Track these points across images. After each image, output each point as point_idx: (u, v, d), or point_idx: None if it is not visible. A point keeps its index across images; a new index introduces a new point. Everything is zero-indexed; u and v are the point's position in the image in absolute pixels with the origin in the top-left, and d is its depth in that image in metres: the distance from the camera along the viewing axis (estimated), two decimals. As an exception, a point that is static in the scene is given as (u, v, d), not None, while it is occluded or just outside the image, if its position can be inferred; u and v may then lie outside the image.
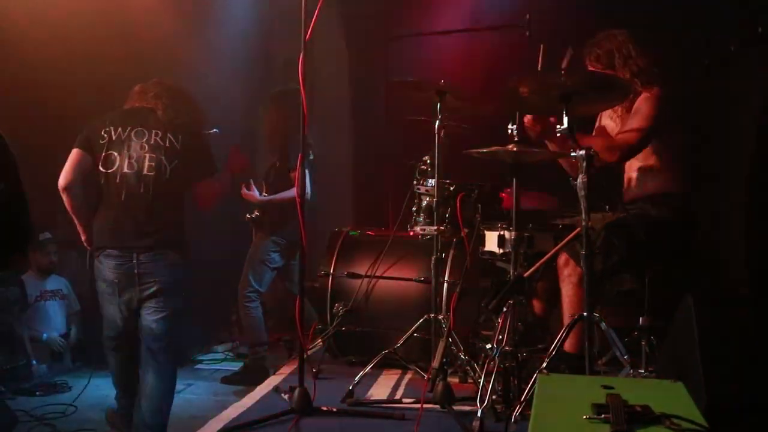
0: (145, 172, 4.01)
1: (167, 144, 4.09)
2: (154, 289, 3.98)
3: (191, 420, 4.06)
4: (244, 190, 5.61)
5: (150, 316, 4.01)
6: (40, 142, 5.19)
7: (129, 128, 4.08)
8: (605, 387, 2.24)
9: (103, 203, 4.07)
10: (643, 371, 3.66)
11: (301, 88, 3.73)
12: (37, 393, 5.24)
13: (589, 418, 2.00)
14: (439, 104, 4.04)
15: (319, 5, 3.71)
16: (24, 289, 5.92)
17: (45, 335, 5.97)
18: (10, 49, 5.49)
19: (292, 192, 5.45)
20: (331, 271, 4.86)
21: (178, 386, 4.73)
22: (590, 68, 4.20)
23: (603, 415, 1.99)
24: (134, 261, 3.94)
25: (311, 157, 5.62)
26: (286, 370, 4.84)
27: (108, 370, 4.24)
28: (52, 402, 4.80)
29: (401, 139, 5.63)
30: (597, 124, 4.46)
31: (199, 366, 5.37)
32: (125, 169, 4.00)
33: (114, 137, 4.05)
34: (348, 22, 7.03)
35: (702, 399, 2.78)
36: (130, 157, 4.01)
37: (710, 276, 4.73)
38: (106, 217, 4.05)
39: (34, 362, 5.74)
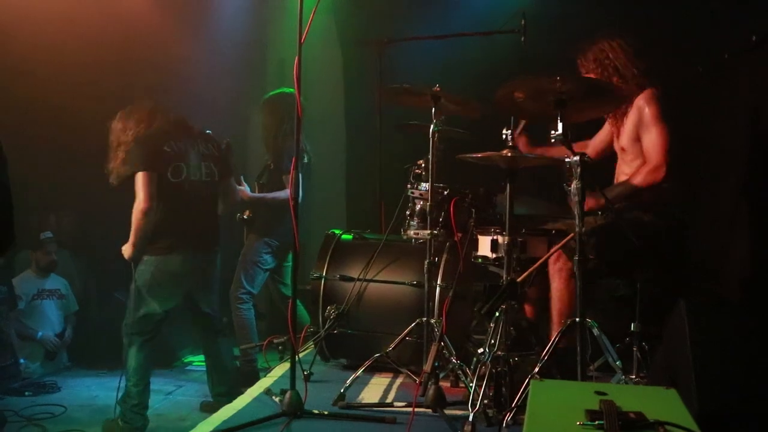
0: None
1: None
2: None
3: (181, 422, 4.04)
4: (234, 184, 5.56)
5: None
6: (35, 142, 5.17)
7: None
8: (598, 393, 2.24)
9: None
10: (634, 377, 3.66)
11: (296, 91, 3.72)
12: (27, 393, 5.22)
13: (583, 424, 2.00)
14: (433, 109, 4.04)
15: (314, 10, 3.71)
16: (12, 288, 5.90)
17: (39, 334, 5.95)
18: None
19: (284, 193, 5.46)
20: (324, 274, 4.85)
21: (169, 388, 4.73)
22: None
23: (597, 422, 1.99)
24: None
25: (306, 161, 5.62)
26: (277, 373, 4.83)
27: (100, 369, 4.23)
28: (41, 402, 4.78)
29: (395, 143, 5.63)
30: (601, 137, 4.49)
31: (189, 368, 5.35)
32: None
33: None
34: (342, 25, 7.03)
35: (694, 404, 2.79)
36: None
37: (702, 282, 4.75)
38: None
39: (22, 361, 5.71)
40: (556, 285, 4.06)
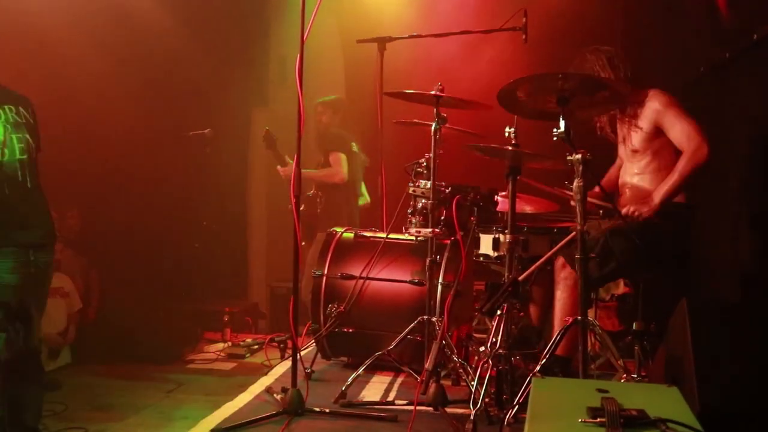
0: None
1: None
2: None
3: (183, 420, 4.04)
4: (281, 168, 6.04)
5: None
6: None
7: None
8: (600, 391, 2.24)
9: None
10: (636, 376, 3.66)
11: (299, 88, 3.73)
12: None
13: (585, 421, 1.99)
14: (435, 108, 4.04)
15: (315, 9, 3.71)
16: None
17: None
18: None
19: (326, 171, 6.06)
20: (325, 272, 4.85)
21: (170, 386, 4.73)
22: None
23: (598, 419, 1.99)
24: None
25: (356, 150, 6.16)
26: (278, 371, 4.83)
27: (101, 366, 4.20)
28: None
29: (397, 141, 5.63)
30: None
31: (190, 366, 5.34)
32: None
33: None
34: (343, 22, 7.03)
35: (695, 402, 2.79)
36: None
37: (704, 282, 4.75)
38: None
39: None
40: (560, 294, 4.05)
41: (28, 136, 3.17)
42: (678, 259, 4.10)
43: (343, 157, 6.02)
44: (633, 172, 4.21)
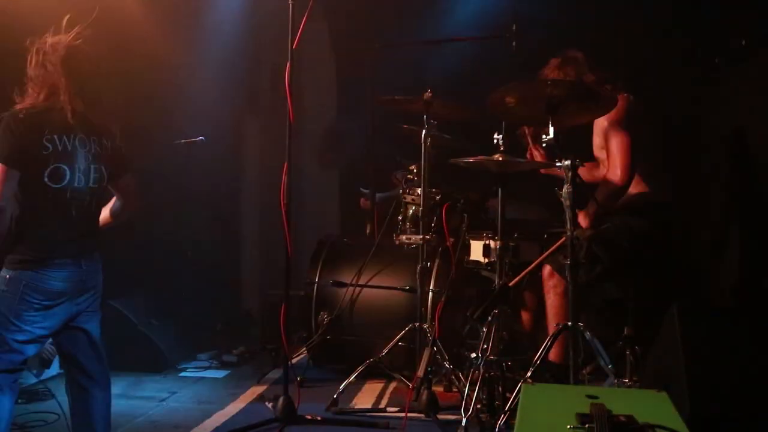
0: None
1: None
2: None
3: (175, 428, 4.03)
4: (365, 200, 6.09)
5: None
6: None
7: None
8: (589, 397, 2.24)
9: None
10: (627, 381, 3.67)
11: (288, 95, 3.74)
12: (20, 401, 5.18)
13: (573, 428, 2.00)
14: (425, 115, 4.06)
15: (306, 14, 3.72)
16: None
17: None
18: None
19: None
20: (316, 279, 4.85)
21: (163, 394, 4.71)
22: None
23: (587, 425, 1.99)
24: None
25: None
26: (270, 378, 4.83)
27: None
28: (34, 410, 4.75)
29: (387, 148, 5.63)
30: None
31: (182, 374, 5.32)
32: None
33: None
34: (335, 29, 7.04)
35: (686, 407, 2.80)
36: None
37: (693, 287, 4.76)
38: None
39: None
40: (551, 302, 4.07)
41: (103, 167, 3.26)
42: (662, 261, 4.11)
43: None
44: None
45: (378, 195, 6.00)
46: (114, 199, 3.46)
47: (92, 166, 3.22)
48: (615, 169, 3.99)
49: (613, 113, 3.92)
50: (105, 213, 3.47)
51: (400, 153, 5.75)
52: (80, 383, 3.34)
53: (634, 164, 3.98)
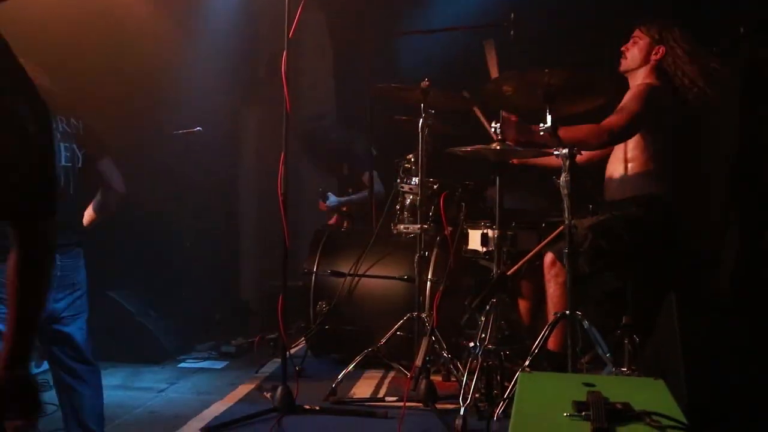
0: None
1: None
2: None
3: (174, 419, 4.03)
4: (322, 203, 6.20)
5: None
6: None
7: None
8: (587, 385, 2.24)
9: None
10: (625, 369, 3.67)
11: (284, 85, 3.72)
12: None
13: (570, 415, 2.00)
14: (422, 104, 4.04)
15: (301, 5, 3.71)
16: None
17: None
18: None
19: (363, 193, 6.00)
20: (314, 269, 4.85)
21: (161, 385, 4.72)
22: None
23: (583, 413, 1.98)
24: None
25: (374, 153, 5.91)
26: (269, 369, 4.83)
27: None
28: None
29: (386, 138, 5.63)
30: None
31: (181, 365, 5.33)
32: None
33: None
34: (332, 19, 7.02)
35: (684, 397, 2.79)
36: None
37: (694, 276, 4.75)
38: None
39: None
40: (551, 291, 4.05)
41: (75, 146, 3.21)
42: (664, 251, 4.10)
43: None
44: (616, 167, 4.20)
45: (336, 199, 6.18)
46: (97, 194, 3.43)
47: (62, 145, 3.17)
48: (617, 113, 3.96)
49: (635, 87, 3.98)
50: (89, 210, 3.45)
51: (376, 146, 5.81)
52: (66, 382, 3.33)
53: (638, 125, 3.97)
